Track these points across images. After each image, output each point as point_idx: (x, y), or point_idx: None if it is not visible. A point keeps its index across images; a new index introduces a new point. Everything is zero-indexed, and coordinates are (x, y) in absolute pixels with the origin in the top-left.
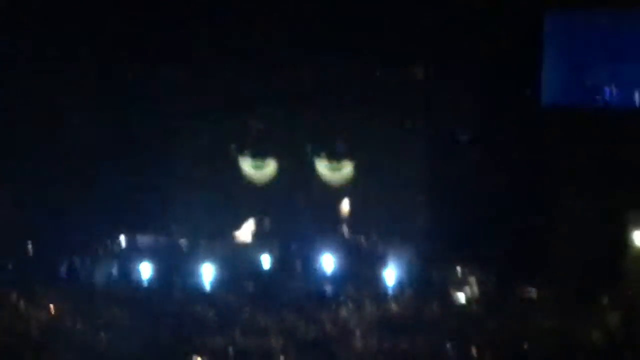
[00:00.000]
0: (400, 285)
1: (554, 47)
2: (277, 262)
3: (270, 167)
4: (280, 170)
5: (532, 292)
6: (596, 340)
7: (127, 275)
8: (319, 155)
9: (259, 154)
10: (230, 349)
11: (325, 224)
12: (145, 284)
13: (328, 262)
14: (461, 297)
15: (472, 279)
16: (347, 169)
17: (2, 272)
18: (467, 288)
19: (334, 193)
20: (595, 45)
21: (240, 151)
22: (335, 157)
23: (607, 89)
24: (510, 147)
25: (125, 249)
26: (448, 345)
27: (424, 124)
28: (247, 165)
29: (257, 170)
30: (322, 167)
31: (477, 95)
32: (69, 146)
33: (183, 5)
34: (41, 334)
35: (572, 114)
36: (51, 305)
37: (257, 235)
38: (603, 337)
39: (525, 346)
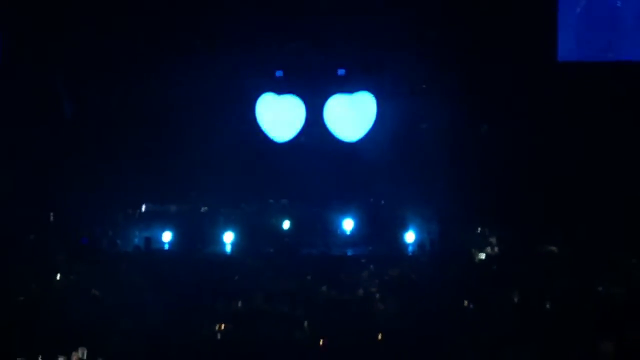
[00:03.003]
0: (420, 246)
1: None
2: (298, 227)
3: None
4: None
5: (554, 250)
6: (619, 297)
7: (149, 244)
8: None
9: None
10: (253, 314)
11: (344, 188)
12: (167, 251)
13: (348, 225)
14: (482, 256)
15: (493, 239)
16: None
17: (25, 243)
18: (488, 248)
19: (353, 156)
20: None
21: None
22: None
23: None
24: (528, 105)
25: (147, 217)
26: (470, 305)
27: (441, 84)
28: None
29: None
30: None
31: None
32: (90, 116)
33: None
34: (61, 303)
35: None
36: (73, 274)
37: (277, 200)
38: (625, 294)
39: (547, 304)
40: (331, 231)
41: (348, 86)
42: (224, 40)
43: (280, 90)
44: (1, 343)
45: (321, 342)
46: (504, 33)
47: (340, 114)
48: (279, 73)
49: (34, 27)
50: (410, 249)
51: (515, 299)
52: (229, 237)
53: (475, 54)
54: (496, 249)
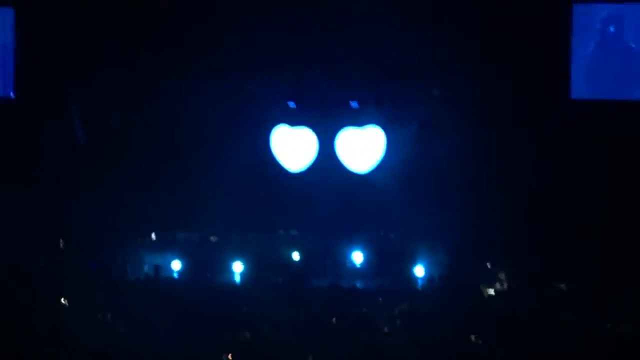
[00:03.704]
0: (430, 280)
1: (583, 38)
2: (307, 258)
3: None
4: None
5: (562, 287)
6: (626, 334)
7: (158, 272)
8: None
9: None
10: (261, 345)
11: (354, 220)
12: (176, 280)
13: (358, 258)
14: (491, 292)
15: (502, 275)
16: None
17: (34, 269)
18: (497, 284)
19: (363, 188)
20: (626, 37)
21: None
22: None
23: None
24: (540, 141)
25: (156, 246)
26: (478, 340)
27: (452, 118)
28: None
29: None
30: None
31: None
32: (101, 143)
33: None
34: (69, 329)
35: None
36: (83, 301)
37: (286, 231)
38: (633, 331)
39: (555, 342)
40: (340, 263)
41: (358, 119)
42: (238, 70)
43: (293, 122)
44: None
45: None
46: (516, 69)
47: (351, 146)
48: (291, 104)
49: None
50: (419, 282)
51: (524, 336)
52: (238, 267)
53: (487, 91)
54: (505, 285)
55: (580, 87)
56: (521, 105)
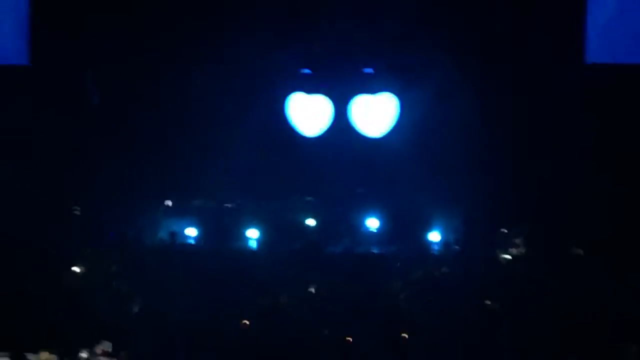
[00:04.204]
0: (445, 246)
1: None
2: (322, 224)
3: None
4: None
5: (579, 252)
6: None
7: (174, 239)
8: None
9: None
10: (277, 311)
11: (370, 186)
12: (192, 247)
13: (373, 224)
14: (507, 257)
15: (518, 240)
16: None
17: (51, 237)
18: (512, 249)
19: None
20: None
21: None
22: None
23: None
24: (555, 106)
25: (173, 213)
26: (493, 306)
27: (469, 86)
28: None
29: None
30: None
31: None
32: (116, 111)
33: None
34: (86, 297)
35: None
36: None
37: (301, 197)
38: None
39: (571, 306)
40: (356, 229)
41: (372, 86)
42: (253, 38)
43: (309, 89)
44: (26, 336)
45: (346, 340)
46: (531, 35)
47: (364, 112)
48: (306, 71)
49: (63, 22)
50: (435, 248)
51: (539, 301)
52: (253, 234)
53: (502, 55)
54: (521, 249)
55: (595, 51)
56: (535, 70)
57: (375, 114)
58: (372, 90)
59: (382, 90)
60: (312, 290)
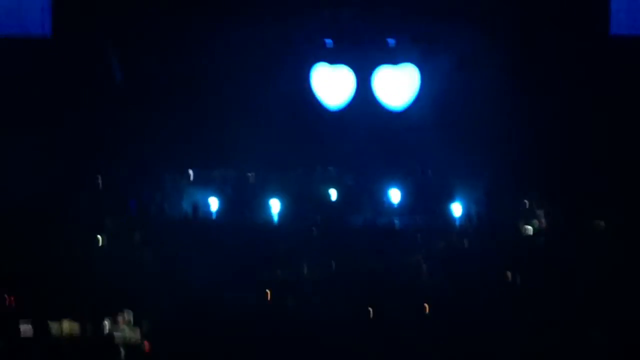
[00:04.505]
0: (467, 218)
1: None
2: (344, 196)
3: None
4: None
5: (601, 224)
6: None
7: (196, 210)
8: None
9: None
10: (299, 282)
11: (392, 157)
12: (214, 218)
13: (395, 195)
14: (529, 229)
15: (540, 212)
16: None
17: (74, 207)
18: (535, 221)
19: (403, 128)
20: None
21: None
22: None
23: None
24: (579, 79)
25: (194, 183)
26: (515, 278)
27: (492, 57)
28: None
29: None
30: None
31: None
32: (139, 82)
33: None
34: (107, 266)
35: None
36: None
37: (323, 168)
38: None
39: (593, 277)
40: (378, 200)
41: (395, 57)
42: (277, 10)
43: (332, 60)
44: (48, 304)
45: (368, 312)
46: (553, 5)
47: (387, 83)
48: (329, 42)
49: None
50: (457, 220)
51: (561, 273)
52: (275, 204)
53: (523, 28)
54: (543, 222)
55: (620, 23)
56: (559, 42)
57: (398, 85)
58: (395, 61)
59: (405, 61)
60: (333, 262)
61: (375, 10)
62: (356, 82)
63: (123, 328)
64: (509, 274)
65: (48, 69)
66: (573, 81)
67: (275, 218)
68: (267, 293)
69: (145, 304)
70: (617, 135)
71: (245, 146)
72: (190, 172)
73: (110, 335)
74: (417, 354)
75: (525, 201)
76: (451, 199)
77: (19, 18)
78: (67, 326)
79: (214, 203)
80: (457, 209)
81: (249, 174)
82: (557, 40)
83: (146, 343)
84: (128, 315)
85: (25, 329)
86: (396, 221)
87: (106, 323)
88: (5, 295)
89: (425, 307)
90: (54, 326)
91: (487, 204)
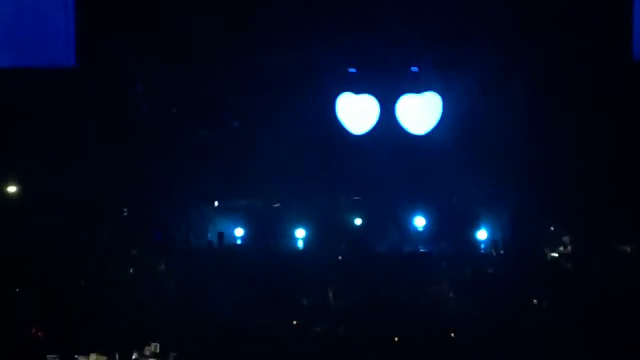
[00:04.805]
0: (493, 244)
1: None
2: (369, 223)
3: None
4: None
5: (627, 249)
6: None
7: (222, 239)
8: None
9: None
10: (326, 310)
11: (417, 185)
12: (240, 247)
13: (420, 222)
14: (554, 255)
15: (566, 238)
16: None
17: (99, 238)
18: (560, 247)
19: (427, 154)
20: None
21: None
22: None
23: None
24: (602, 105)
25: (220, 213)
26: (541, 304)
27: (515, 82)
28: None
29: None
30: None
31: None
32: (164, 113)
33: None
34: (134, 298)
35: None
36: (147, 269)
37: (348, 196)
38: None
39: (619, 302)
40: (403, 228)
41: (417, 86)
42: (301, 39)
43: (356, 89)
44: (76, 337)
45: (394, 340)
46: (576, 32)
47: (410, 111)
48: (352, 70)
49: (109, 26)
50: (482, 247)
51: (587, 300)
52: (300, 233)
53: (546, 55)
54: (569, 247)
55: None
56: (582, 68)
57: (421, 112)
58: (418, 90)
59: (428, 89)
60: (359, 290)
61: (400, 38)
62: (380, 109)
63: None
64: (535, 300)
65: (73, 100)
66: (599, 107)
67: (301, 247)
68: (293, 322)
69: (172, 336)
70: None
71: (271, 175)
72: (216, 202)
73: None
74: None
75: (551, 227)
76: (476, 225)
77: (42, 49)
78: None
79: (239, 233)
80: (482, 235)
81: (274, 204)
82: (579, 68)
83: None
84: (155, 348)
85: None
86: (421, 248)
87: (134, 356)
88: (33, 329)
89: (451, 334)
90: None
91: (513, 230)
